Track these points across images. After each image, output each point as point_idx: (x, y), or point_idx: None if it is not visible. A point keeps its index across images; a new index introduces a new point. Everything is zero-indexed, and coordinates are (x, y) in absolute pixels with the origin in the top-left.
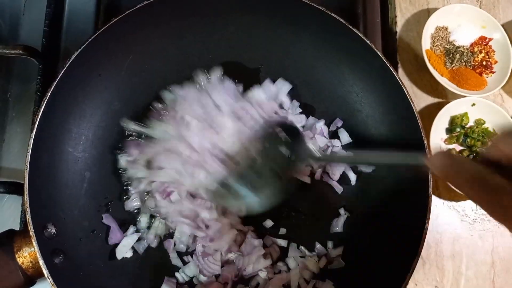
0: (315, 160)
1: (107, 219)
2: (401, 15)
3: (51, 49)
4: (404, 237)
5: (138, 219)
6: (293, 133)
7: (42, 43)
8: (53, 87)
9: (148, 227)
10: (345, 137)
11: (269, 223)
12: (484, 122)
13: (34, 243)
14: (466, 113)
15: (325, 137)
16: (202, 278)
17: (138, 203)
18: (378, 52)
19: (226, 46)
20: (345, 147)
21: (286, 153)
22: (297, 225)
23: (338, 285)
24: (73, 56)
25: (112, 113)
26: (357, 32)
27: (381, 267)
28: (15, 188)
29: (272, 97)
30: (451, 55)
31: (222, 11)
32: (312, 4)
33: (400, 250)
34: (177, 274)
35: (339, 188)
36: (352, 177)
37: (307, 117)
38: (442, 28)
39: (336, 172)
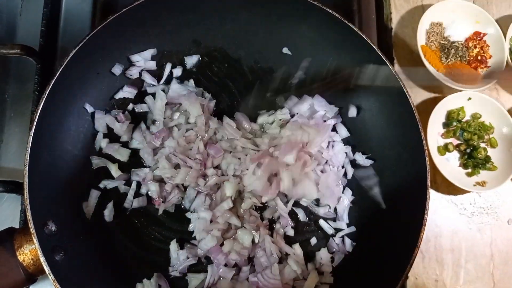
0: None
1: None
2: (396, 12)
3: (49, 48)
4: (403, 230)
5: None
6: None
7: (40, 43)
8: (51, 85)
9: None
10: (343, 132)
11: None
12: (480, 116)
13: (35, 240)
14: (462, 107)
15: None
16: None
17: None
18: (373, 46)
19: (223, 42)
20: (344, 140)
21: None
22: None
23: (339, 276)
24: (71, 55)
25: (110, 111)
26: (352, 26)
27: (381, 259)
28: (14, 187)
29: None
30: (446, 50)
31: (219, 8)
32: (308, 0)
33: (400, 243)
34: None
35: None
36: (350, 170)
37: None
38: (437, 24)
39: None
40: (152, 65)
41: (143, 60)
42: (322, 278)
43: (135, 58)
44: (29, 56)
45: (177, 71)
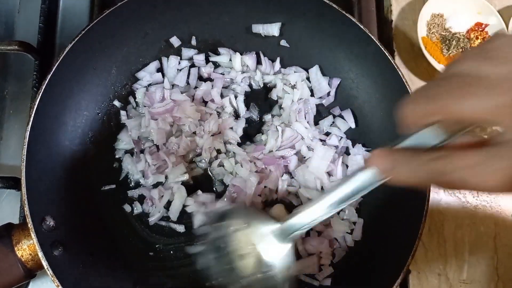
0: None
1: None
2: (396, 4)
3: (47, 45)
4: (404, 221)
5: None
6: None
7: (38, 40)
8: (47, 80)
9: None
10: (341, 124)
11: None
12: None
13: (33, 235)
14: None
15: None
16: None
17: None
18: (372, 37)
19: (220, 35)
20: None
21: None
22: None
23: (340, 269)
24: (67, 49)
25: (108, 106)
26: (351, 17)
27: (382, 251)
28: (13, 183)
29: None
30: (447, 42)
31: (217, 1)
32: None
33: (401, 234)
34: None
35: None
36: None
37: None
38: (438, 15)
39: None
40: (159, 77)
41: (149, 74)
42: (322, 272)
43: (141, 75)
44: (27, 53)
45: None
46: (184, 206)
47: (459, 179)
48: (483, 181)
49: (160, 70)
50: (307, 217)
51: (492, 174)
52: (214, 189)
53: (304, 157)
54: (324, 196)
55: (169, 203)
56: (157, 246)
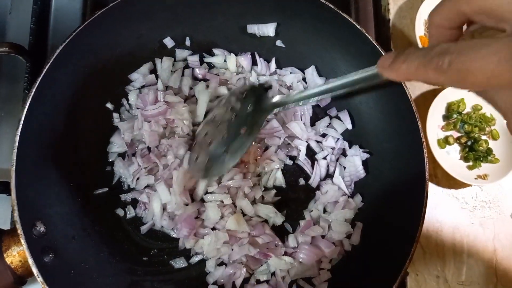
0: (276, 105)
1: None
2: (394, 2)
3: (39, 46)
4: (402, 224)
5: None
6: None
7: (29, 41)
8: (38, 82)
9: None
10: (338, 125)
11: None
12: (481, 108)
13: (23, 241)
14: (462, 99)
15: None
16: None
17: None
18: (369, 37)
19: (215, 36)
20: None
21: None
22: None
23: (337, 273)
24: (58, 50)
25: (100, 108)
26: (347, 17)
27: (380, 254)
28: (4, 188)
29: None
30: None
31: (211, 1)
32: None
33: (399, 237)
34: None
35: None
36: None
37: None
38: None
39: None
40: (152, 79)
41: (142, 76)
42: (319, 277)
43: (134, 76)
44: (18, 54)
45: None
46: None
47: (459, 64)
48: (485, 64)
49: (154, 71)
50: (299, 98)
51: (494, 54)
52: None
53: None
54: (320, 86)
55: None
56: (150, 251)
